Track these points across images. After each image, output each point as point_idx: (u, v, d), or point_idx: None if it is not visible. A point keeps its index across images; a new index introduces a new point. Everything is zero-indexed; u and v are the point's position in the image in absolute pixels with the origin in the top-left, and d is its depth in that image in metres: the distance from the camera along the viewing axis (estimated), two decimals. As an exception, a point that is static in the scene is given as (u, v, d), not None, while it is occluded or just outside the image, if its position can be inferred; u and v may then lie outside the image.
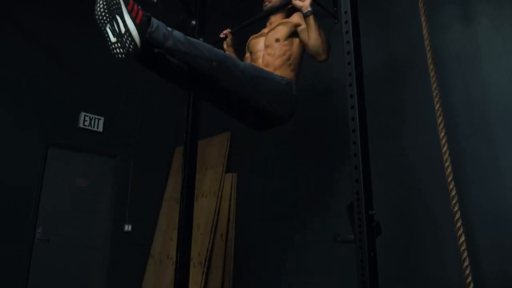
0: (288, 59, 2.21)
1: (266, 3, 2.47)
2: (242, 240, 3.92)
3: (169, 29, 1.58)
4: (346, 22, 1.58)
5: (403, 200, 2.71)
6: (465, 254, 1.78)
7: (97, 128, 4.53)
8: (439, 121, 1.94)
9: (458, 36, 2.64)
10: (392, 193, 2.72)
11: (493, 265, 2.19)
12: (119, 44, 1.45)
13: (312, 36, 2.10)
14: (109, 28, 1.48)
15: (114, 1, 1.46)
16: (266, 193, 3.78)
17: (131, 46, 1.43)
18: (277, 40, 2.25)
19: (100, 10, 1.50)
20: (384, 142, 2.80)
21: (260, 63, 2.27)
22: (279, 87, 2.03)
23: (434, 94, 2.03)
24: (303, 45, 2.24)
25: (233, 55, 2.58)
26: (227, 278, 3.81)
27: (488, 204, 2.29)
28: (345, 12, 1.59)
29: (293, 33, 2.26)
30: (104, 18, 1.49)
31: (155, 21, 1.53)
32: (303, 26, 2.20)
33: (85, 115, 4.44)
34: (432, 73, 1.99)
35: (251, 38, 2.52)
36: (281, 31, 2.27)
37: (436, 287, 2.41)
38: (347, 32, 1.57)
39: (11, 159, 3.86)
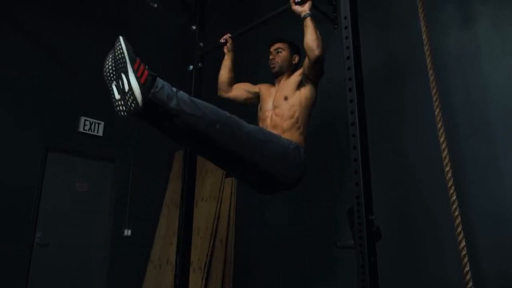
0: (297, 121, 2.18)
1: (273, 66, 2.43)
2: (242, 245, 3.91)
3: (174, 89, 1.59)
4: (346, 28, 1.59)
5: (403, 201, 2.71)
6: (466, 258, 1.79)
7: (97, 132, 4.52)
8: (439, 122, 1.94)
9: (458, 37, 2.64)
10: (392, 193, 2.72)
11: (493, 265, 2.20)
12: (122, 102, 1.47)
13: (308, 32, 2.09)
14: (115, 85, 1.50)
15: (121, 60, 1.47)
16: (266, 196, 3.76)
17: (133, 105, 1.44)
18: (286, 99, 2.23)
19: (108, 68, 1.53)
20: (384, 142, 2.80)
21: (268, 123, 2.25)
22: (286, 151, 2.00)
23: (434, 96, 2.03)
24: (308, 100, 2.23)
25: (231, 61, 2.58)
26: (227, 283, 3.79)
27: (488, 204, 2.29)
28: (345, 18, 1.60)
29: (300, 83, 2.25)
30: (111, 75, 1.51)
31: (160, 81, 1.54)
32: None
33: (85, 120, 4.44)
34: (431, 75, 1.99)
35: (260, 86, 2.52)
36: (289, 86, 2.27)
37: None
38: (347, 37, 1.58)
39: (11, 162, 3.85)
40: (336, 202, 3.07)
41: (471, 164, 2.41)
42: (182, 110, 1.56)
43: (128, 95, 1.44)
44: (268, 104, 2.34)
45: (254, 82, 2.58)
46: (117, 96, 1.49)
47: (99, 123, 4.54)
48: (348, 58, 1.57)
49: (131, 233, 4.60)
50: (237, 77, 2.63)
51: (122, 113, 1.48)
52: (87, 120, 4.45)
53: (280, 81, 2.41)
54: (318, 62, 2.12)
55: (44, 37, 4.31)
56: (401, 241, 2.60)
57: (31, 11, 4.22)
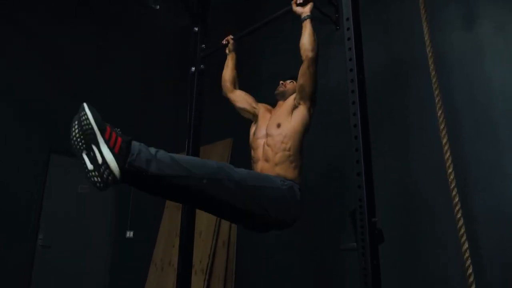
0: (289, 154, 2.09)
1: (280, 89, 2.39)
2: (245, 246, 3.88)
3: (153, 151, 1.49)
4: (348, 29, 1.58)
5: (405, 202, 2.70)
6: (469, 260, 1.79)
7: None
8: (441, 123, 1.94)
9: (460, 38, 2.63)
10: (394, 195, 2.70)
11: (496, 266, 2.19)
12: (96, 173, 1.35)
13: (305, 33, 2.11)
14: (86, 154, 1.38)
15: (89, 131, 1.36)
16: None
17: (110, 178, 1.34)
18: (279, 126, 2.16)
19: (75, 137, 1.41)
20: (386, 144, 2.80)
21: (259, 155, 2.19)
22: (279, 194, 1.92)
23: (436, 97, 2.03)
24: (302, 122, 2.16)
25: (233, 61, 2.58)
26: (229, 284, 3.77)
27: (492, 205, 2.29)
28: (347, 19, 1.59)
29: (294, 107, 2.20)
30: (80, 145, 1.39)
31: (136, 146, 1.43)
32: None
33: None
34: (434, 76, 1.99)
35: (261, 106, 2.43)
36: (283, 112, 2.23)
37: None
38: (349, 39, 1.57)
39: (13, 164, 3.86)
40: (341, 205, 3.06)
41: (474, 165, 2.41)
42: (164, 173, 1.47)
43: (103, 168, 1.34)
44: (261, 131, 2.26)
45: (256, 82, 2.56)
46: (90, 167, 1.37)
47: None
48: (350, 59, 1.57)
49: (134, 234, 4.61)
50: (240, 77, 2.63)
51: (98, 184, 1.36)
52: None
53: (277, 107, 2.36)
54: (311, 66, 2.09)
55: (45, 38, 4.34)
56: (403, 244, 2.59)
57: (33, 11, 4.26)
